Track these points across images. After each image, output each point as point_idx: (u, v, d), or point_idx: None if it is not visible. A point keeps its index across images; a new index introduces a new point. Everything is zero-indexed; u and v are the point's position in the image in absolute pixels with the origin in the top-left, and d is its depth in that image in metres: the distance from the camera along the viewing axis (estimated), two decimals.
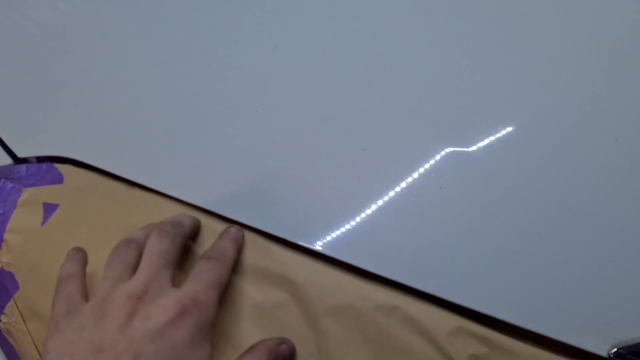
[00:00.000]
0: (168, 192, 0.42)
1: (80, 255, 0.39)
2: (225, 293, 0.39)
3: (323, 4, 0.47)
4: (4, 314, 0.42)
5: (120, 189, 0.43)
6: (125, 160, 0.44)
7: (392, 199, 0.40)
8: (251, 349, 0.36)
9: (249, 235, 0.41)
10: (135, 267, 0.36)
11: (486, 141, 0.40)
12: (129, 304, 0.34)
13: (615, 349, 0.37)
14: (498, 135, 0.41)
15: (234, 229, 0.39)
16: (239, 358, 0.35)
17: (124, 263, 0.36)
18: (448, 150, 0.40)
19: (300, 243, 0.39)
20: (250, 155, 0.42)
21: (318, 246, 0.39)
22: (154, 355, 0.32)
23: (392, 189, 0.40)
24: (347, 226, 0.39)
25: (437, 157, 0.40)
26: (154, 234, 0.37)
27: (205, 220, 0.41)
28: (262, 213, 0.40)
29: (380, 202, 0.40)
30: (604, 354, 0.37)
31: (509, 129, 0.41)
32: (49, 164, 0.46)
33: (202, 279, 0.36)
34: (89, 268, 0.40)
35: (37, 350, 0.41)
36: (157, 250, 0.36)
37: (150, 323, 0.33)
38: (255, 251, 0.40)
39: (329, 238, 0.39)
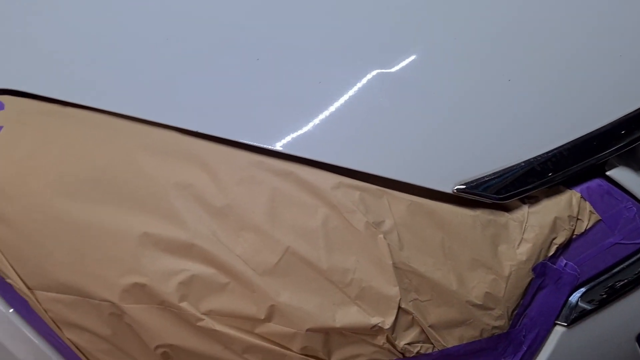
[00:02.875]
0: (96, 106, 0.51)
1: None
2: None
3: None
4: None
5: (55, 108, 0.52)
6: (57, 82, 0.52)
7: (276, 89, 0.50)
8: None
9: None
10: None
11: None
12: None
13: (458, 186, 0.49)
14: None
15: None
16: None
17: None
18: None
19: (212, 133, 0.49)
20: (178, 63, 0.51)
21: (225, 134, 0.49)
22: None
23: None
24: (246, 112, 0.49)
25: None
26: None
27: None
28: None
29: (269, 94, 0.50)
30: (449, 191, 0.49)
31: None
32: None
33: None
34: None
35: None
36: None
37: None
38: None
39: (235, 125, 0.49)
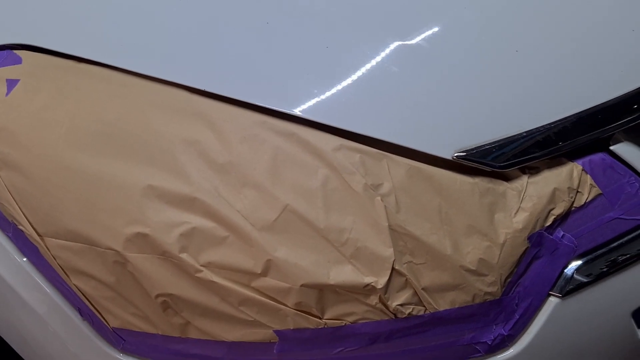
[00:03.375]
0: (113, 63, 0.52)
1: None
2: None
3: None
4: None
5: (70, 64, 0.54)
6: (73, 39, 0.54)
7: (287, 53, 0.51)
8: None
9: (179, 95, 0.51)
10: None
11: None
12: None
13: (458, 153, 0.49)
14: None
15: None
16: None
17: None
18: None
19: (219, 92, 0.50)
20: (190, 24, 0.53)
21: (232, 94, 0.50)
22: None
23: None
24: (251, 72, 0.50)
25: None
26: None
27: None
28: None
29: (276, 57, 0.51)
30: (449, 157, 0.49)
31: None
32: (9, 51, 0.55)
33: None
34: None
35: (11, 195, 0.51)
36: None
37: None
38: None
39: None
